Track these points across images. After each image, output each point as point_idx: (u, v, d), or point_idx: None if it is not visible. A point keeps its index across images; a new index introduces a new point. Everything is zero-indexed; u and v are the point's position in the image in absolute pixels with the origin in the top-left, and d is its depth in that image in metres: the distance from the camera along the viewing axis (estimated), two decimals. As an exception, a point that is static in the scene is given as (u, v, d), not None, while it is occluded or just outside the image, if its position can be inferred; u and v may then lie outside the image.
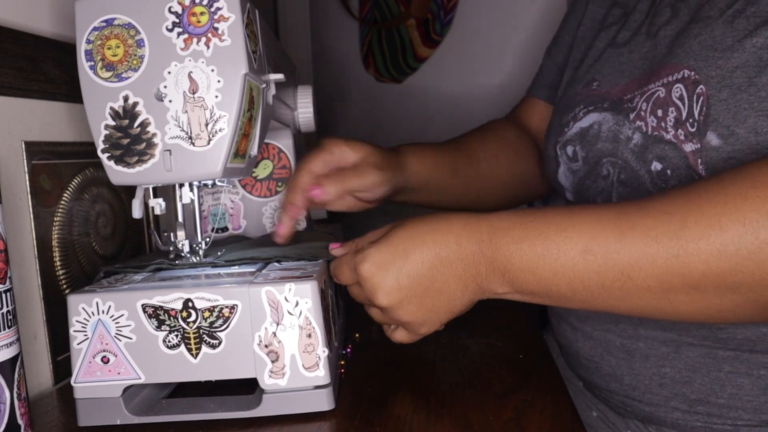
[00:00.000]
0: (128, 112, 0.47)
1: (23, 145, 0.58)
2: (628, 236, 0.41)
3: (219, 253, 0.58)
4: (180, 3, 0.47)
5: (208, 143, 0.48)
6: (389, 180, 0.65)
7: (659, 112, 0.52)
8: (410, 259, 0.47)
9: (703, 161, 0.48)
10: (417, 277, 0.47)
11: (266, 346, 0.47)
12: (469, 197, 0.78)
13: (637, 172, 0.54)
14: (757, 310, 0.41)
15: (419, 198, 0.74)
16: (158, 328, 0.47)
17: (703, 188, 0.41)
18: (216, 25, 0.47)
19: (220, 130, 0.47)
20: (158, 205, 0.53)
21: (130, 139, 0.48)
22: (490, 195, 0.79)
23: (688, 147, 0.49)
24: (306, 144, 0.87)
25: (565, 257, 0.43)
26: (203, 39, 0.47)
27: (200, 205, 0.54)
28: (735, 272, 0.39)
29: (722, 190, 0.40)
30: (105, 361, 0.48)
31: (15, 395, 0.45)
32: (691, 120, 0.49)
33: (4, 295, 0.44)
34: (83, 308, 0.47)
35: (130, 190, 0.56)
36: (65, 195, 0.63)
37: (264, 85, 0.54)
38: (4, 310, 0.44)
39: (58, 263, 0.62)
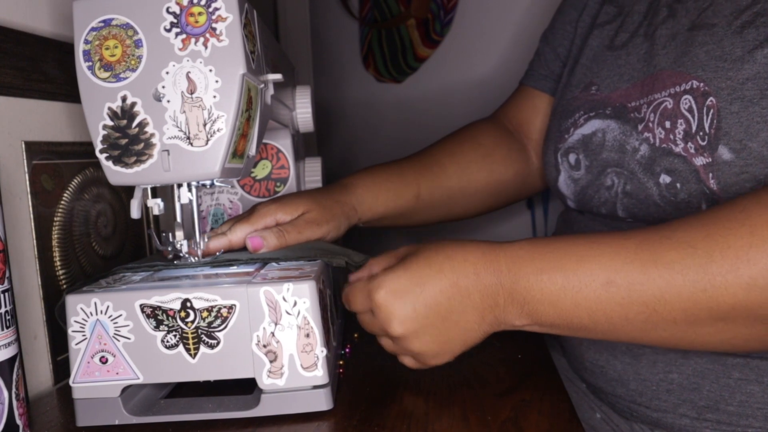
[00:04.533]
0: (126, 113, 0.48)
1: (23, 145, 0.59)
2: (651, 269, 0.41)
3: (218, 253, 0.58)
4: (178, 3, 0.47)
5: (207, 143, 0.48)
6: (331, 230, 0.62)
7: (667, 124, 0.51)
8: (427, 288, 0.46)
9: (714, 175, 0.47)
10: (434, 306, 0.46)
11: (264, 346, 0.47)
12: (439, 214, 0.75)
13: (644, 183, 0.53)
14: None
15: (381, 225, 0.72)
16: (156, 328, 0.47)
17: (726, 218, 0.40)
18: (214, 25, 0.47)
19: (218, 131, 0.47)
20: (157, 205, 0.53)
21: (128, 139, 0.48)
22: (463, 207, 0.77)
23: (699, 161, 0.48)
24: (304, 144, 0.87)
25: (587, 290, 0.42)
26: (201, 39, 0.47)
27: (199, 205, 0.54)
28: (765, 305, 0.38)
29: (747, 221, 0.39)
30: (103, 361, 0.48)
31: (14, 395, 0.45)
32: (701, 133, 0.48)
33: (3, 296, 0.44)
34: (81, 308, 0.47)
35: (130, 190, 0.56)
36: (65, 195, 0.64)
37: (262, 86, 0.54)
38: (3, 310, 0.44)
39: (58, 263, 0.62)
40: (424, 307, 0.46)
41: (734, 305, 0.39)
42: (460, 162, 0.75)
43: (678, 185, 0.50)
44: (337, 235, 0.64)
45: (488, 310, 0.46)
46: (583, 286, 0.43)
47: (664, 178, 0.51)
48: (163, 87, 0.47)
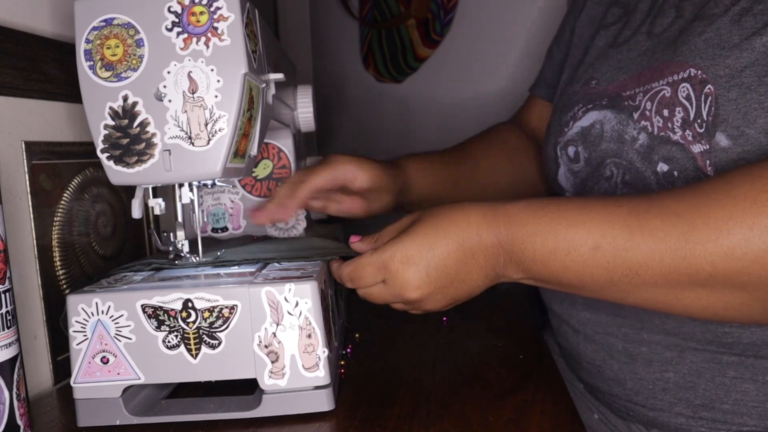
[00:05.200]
0: (128, 112, 0.47)
1: (23, 145, 0.58)
2: (637, 236, 0.42)
3: (219, 253, 0.58)
4: (179, 2, 0.47)
5: (208, 143, 0.47)
6: (396, 201, 0.68)
7: (665, 112, 0.52)
8: (436, 252, 0.48)
9: (711, 162, 0.47)
10: (444, 269, 0.49)
11: (266, 347, 0.47)
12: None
13: (642, 173, 0.54)
14: (765, 310, 0.41)
15: (416, 208, 0.76)
16: (158, 328, 0.47)
17: (712, 189, 0.41)
18: (215, 24, 0.47)
19: (219, 130, 0.47)
20: (158, 205, 0.53)
21: (130, 139, 0.48)
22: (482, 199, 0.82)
23: (697, 148, 0.48)
24: (305, 144, 0.87)
25: (575, 253, 0.45)
26: (203, 39, 0.47)
27: (200, 205, 0.54)
28: (741, 274, 0.39)
29: (731, 192, 0.40)
30: (104, 361, 0.47)
31: (14, 396, 0.45)
32: (699, 120, 0.48)
33: (3, 296, 0.44)
34: (83, 308, 0.47)
35: (130, 190, 0.56)
36: (65, 195, 0.63)
37: (264, 85, 0.54)
38: (4, 310, 0.44)
39: (58, 263, 0.62)
40: (436, 270, 0.49)
41: (712, 273, 0.40)
42: (491, 159, 0.80)
43: (675, 173, 0.50)
44: (393, 207, 0.70)
45: (490, 268, 0.49)
46: (571, 250, 0.45)
47: (662, 167, 0.52)
48: (165, 86, 0.47)
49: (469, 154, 0.80)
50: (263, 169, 0.74)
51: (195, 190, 0.53)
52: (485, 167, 0.79)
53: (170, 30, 0.47)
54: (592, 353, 0.60)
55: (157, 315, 0.47)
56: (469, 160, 0.79)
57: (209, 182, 0.52)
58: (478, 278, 0.49)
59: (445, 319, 0.72)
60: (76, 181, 0.65)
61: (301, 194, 0.63)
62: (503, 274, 0.49)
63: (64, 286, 0.63)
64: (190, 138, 0.47)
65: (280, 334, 0.47)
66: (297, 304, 0.47)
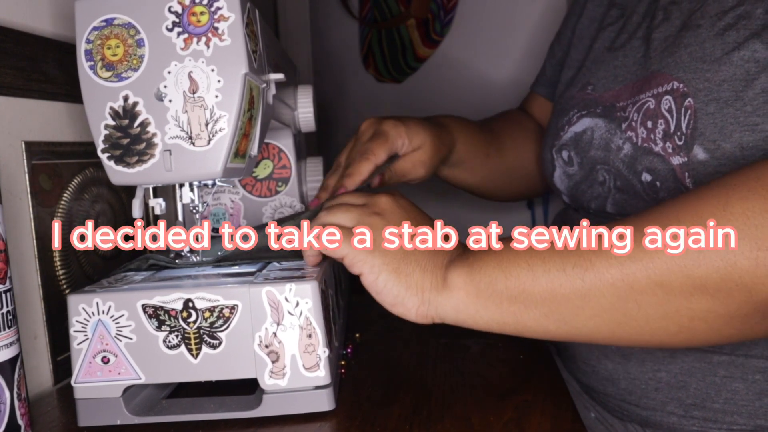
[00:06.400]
0: (128, 112, 0.47)
1: (23, 145, 0.58)
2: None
3: (219, 253, 0.58)
4: (180, 2, 0.47)
5: (208, 143, 0.47)
6: (433, 169, 0.72)
7: (649, 124, 0.52)
8: (417, 220, 0.51)
9: (690, 175, 0.48)
10: (411, 218, 0.51)
11: (266, 347, 0.47)
12: (494, 179, 0.83)
13: (630, 181, 0.54)
14: (729, 316, 0.38)
15: (451, 174, 0.79)
16: (158, 328, 0.47)
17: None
18: (216, 24, 0.47)
19: (220, 130, 0.47)
20: (158, 205, 0.53)
21: (130, 139, 0.48)
22: (511, 180, 0.85)
23: (676, 160, 0.49)
24: (305, 144, 0.87)
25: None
26: (203, 39, 0.47)
27: (200, 205, 0.54)
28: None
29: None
30: (105, 361, 0.47)
31: (15, 395, 0.45)
32: (678, 133, 0.49)
33: (4, 295, 0.44)
34: (83, 308, 0.47)
35: (130, 190, 0.56)
36: (65, 195, 0.63)
37: (264, 85, 0.54)
38: (4, 310, 0.44)
39: (58, 263, 0.62)
40: (409, 217, 0.50)
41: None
42: (514, 138, 0.83)
43: (657, 184, 0.51)
44: (430, 174, 0.73)
45: (429, 264, 0.47)
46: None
47: (646, 177, 0.52)
48: (165, 86, 0.47)
49: (494, 131, 0.82)
50: (263, 169, 0.74)
51: (195, 190, 0.53)
52: (509, 146, 0.82)
53: (171, 30, 0.47)
54: (587, 353, 0.60)
55: (157, 315, 0.47)
56: (495, 136, 0.82)
57: (210, 182, 0.52)
58: (418, 272, 0.47)
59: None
60: (76, 181, 0.65)
61: (364, 173, 0.63)
62: (443, 273, 0.47)
63: (64, 286, 0.63)
64: (190, 138, 0.47)
65: (281, 334, 0.47)
66: (297, 304, 0.47)
